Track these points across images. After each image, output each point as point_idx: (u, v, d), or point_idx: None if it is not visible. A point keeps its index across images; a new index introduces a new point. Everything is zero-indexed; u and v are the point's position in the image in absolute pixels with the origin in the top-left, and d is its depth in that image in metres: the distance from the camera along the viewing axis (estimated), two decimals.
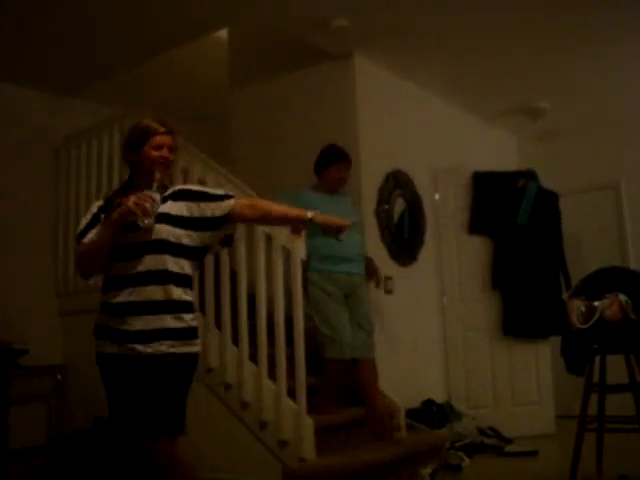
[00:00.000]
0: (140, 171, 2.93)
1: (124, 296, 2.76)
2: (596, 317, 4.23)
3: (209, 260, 4.59)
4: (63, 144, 5.72)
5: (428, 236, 6.18)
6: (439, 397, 5.76)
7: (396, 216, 5.80)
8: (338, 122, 5.61)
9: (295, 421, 4.12)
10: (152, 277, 2.77)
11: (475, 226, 6.29)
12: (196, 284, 4.60)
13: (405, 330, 5.67)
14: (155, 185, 2.82)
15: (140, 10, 4.84)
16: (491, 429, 5.71)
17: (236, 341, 4.43)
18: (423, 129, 6.19)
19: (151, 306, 2.75)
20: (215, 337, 4.51)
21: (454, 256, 6.31)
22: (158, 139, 2.91)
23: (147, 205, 2.69)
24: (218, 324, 4.52)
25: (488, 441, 5.53)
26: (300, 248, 4.25)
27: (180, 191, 2.98)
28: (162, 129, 2.95)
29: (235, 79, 6.25)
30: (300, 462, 4.08)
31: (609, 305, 4.26)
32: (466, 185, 6.36)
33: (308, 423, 4.09)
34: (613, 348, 4.25)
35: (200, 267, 4.59)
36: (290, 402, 4.16)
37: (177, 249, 2.83)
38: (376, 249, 5.51)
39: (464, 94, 6.45)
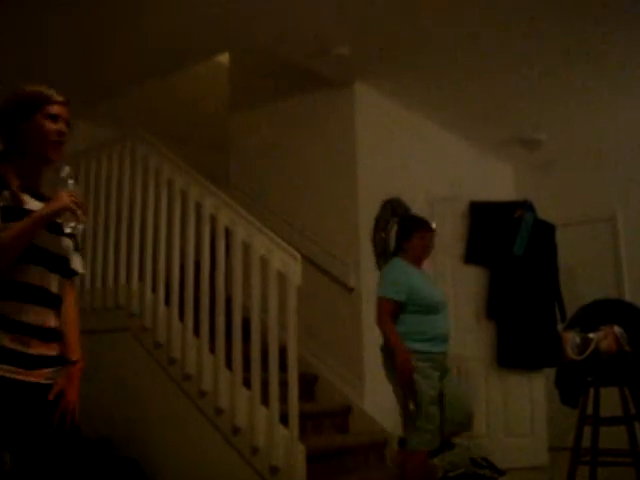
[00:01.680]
0: (22, 146, 2.33)
1: (25, 314, 2.22)
2: (591, 349, 4.24)
3: (204, 283, 4.59)
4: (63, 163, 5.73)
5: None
6: None
7: (392, 244, 5.79)
8: (337, 149, 5.63)
9: (287, 447, 4.09)
10: (47, 297, 2.31)
11: (471, 256, 6.29)
12: (190, 308, 4.62)
13: None
14: (67, 174, 2.32)
15: (141, 34, 4.90)
16: (484, 460, 5.66)
17: (229, 365, 4.41)
18: (421, 157, 6.21)
19: (46, 332, 2.30)
20: (209, 361, 4.49)
21: (449, 286, 6.28)
22: (55, 108, 2.36)
23: (82, 208, 2.27)
24: (212, 349, 4.50)
25: (481, 472, 5.48)
26: (296, 273, 4.25)
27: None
28: (60, 97, 2.39)
29: (235, 103, 6.29)
30: None
31: (604, 337, 4.27)
32: (463, 214, 6.36)
33: (300, 449, 4.07)
34: (607, 380, 4.25)
35: (195, 291, 4.64)
36: (282, 428, 4.13)
37: (68, 272, 2.42)
38: (372, 276, 5.50)
39: (463, 123, 6.49)
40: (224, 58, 6.06)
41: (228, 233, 4.59)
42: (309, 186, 5.72)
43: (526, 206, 6.39)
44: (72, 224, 2.27)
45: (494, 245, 6.24)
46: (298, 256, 4.30)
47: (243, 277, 4.45)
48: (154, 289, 4.86)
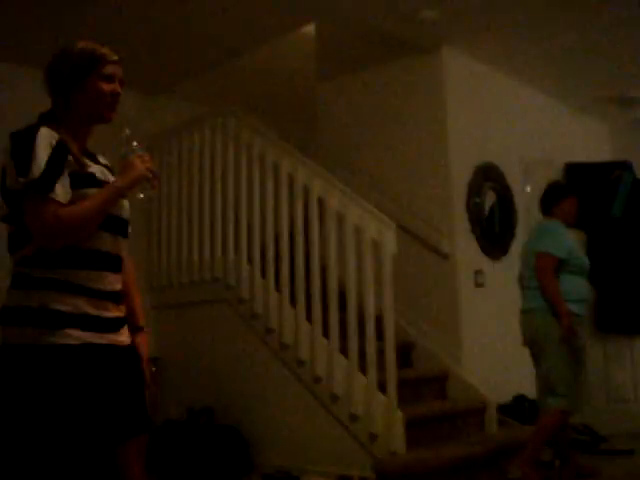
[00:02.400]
0: (76, 106, 2.24)
1: (102, 281, 2.21)
2: None
3: (299, 255, 4.63)
4: (154, 140, 5.85)
5: (519, 230, 6.07)
6: (531, 393, 5.65)
7: (487, 209, 5.73)
8: (426, 115, 5.57)
9: (386, 414, 4.12)
10: (118, 263, 2.31)
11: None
12: (286, 278, 4.68)
13: (496, 324, 5.58)
14: (130, 135, 2.30)
15: (226, 9, 4.91)
16: (584, 426, 5.58)
17: (326, 334, 4.45)
18: (513, 120, 6.08)
19: (118, 296, 2.31)
20: (306, 330, 4.54)
21: None
22: (110, 68, 2.26)
23: (155, 174, 2.26)
24: (309, 318, 4.55)
25: (582, 438, 5.41)
26: (391, 242, 4.25)
27: (107, 166, 2.41)
28: (114, 56, 2.28)
29: (322, 74, 6.26)
30: (390, 455, 4.09)
31: None
32: (559, 177, 6.23)
33: (399, 416, 4.09)
34: None
35: (290, 262, 4.69)
36: (381, 395, 4.16)
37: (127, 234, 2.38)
38: (467, 243, 5.46)
39: (555, 83, 6.31)
40: (309, 29, 6.04)
41: (321, 203, 4.61)
42: (400, 154, 5.67)
43: (624, 166, 6.21)
44: (147, 192, 2.27)
45: (592, 207, 6.08)
46: (393, 225, 4.29)
47: (337, 247, 4.47)
48: (250, 261, 4.94)
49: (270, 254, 4.80)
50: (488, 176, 5.75)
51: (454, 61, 5.60)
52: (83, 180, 2.17)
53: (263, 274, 4.84)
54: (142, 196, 2.28)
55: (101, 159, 2.39)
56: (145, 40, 5.28)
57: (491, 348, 5.48)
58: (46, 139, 2.10)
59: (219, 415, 4.93)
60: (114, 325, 2.25)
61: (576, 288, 4.29)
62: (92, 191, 2.16)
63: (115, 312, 2.26)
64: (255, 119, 5.05)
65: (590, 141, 7.10)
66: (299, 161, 4.77)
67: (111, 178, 2.30)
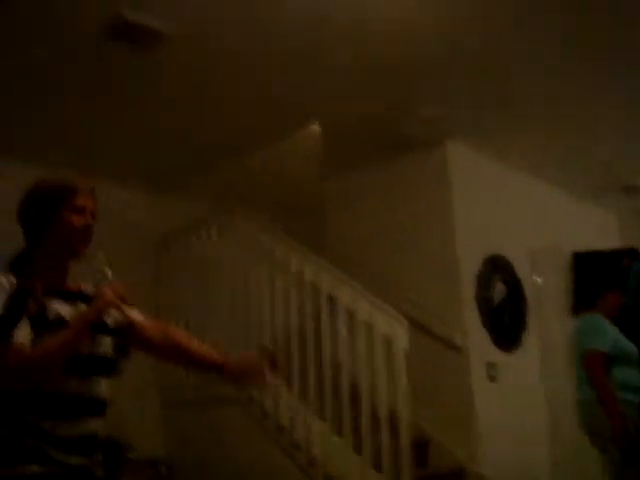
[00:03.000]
0: (47, 242, 2.19)
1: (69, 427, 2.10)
2: None
3: (309, 351, 4.59)
4: (162, 241, 5.89)
5: (531, 320, 6.04)
6: None
7: (496, 301, 5.70)
8: (434, 209, 5.61)
9: None
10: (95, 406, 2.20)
11: (579, 308, 6.11)
12: (296, 375, 4.63)
13: (512, 418, 5.49)
14: (101, 262, 2.18)
15: (232, 110, 5.02)
16: None
17: (340, 431, 4.37)
18: (519, 211, 6.12)
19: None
20: (318, 428, 4.47)
21: (559, 339, 6.12)
22: (81, 200, 2.21)
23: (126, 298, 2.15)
24: (321, 415, 4.48)
25: None
26: (402, 338, 4.22)
27: (80, 292, 2.29)
28: (84, 187, 2.24)
29: (328, 170, 6.34)
30: None
31: None
32: (566, 266, 6.22)
33: None
34: None
35: (301, 358, 4.64)
36: None
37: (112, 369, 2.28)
38: (479, 335, 5.42)
39: (559, 173, 6.37)
40: (315, 127, 6.14)
41: (331, 299, 4.60)
42: (408, 247, 5.69)
43: (633, 254, 6.20)
44: (117, 317, 2.19)
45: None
46: (404, 320, 4.28)
47: (349, 343, 4.43)
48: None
49: (280, 352, 4.76)
50: (497, 267, 5.75)
51: (458, 155, 5.67)
52: (44, 324, 2.06)
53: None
54: (111, 322, 2.21)
55: (87, 291, 2.30)
56: (150, 140, 5.38)
57: (507, 442, 5.37)
58: (2, 286, 2.04)
59: None
60: (81, 473, 2.12)
61: (629, 378, 4.29)
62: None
63: (82, 461, 2.12)
64: (262, 217, 5.08)
65: (597, 229, 7.12)
66: (307, 258, 4.78)
67: None
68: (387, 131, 5.51)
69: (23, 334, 2.01)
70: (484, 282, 5.59)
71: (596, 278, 6.06)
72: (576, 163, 6.24)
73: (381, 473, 4.12)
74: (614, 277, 6.02)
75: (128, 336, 2.30)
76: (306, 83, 4.72)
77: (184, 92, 4.78)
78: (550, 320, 6.17)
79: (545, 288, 6.25)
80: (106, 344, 2.22)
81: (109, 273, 2.18)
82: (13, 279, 2.08)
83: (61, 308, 2.14)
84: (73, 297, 2.23)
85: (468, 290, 5.46)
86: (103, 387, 2.22)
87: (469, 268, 5.50)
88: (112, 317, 2.21)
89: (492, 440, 5.24)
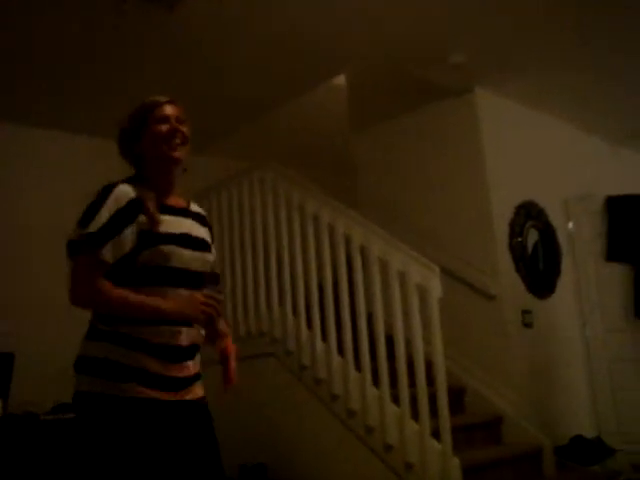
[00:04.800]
0: (146, 159, 2.35)
1: (171, 336, 2.24)
2: None
3: (344, 303, 4.60)
4: (198, 196, 5.90)
5: (565, 266, 6.01)
6: (588, 433, 5.54)
7: (530, 248, 5.67)
8: (463, 158, 5.58)
9: (441, 462, 4.04)
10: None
11: (613, 253, 6.07)
12: (332, 328, 4.65)
13: (548, 364, 5.50)
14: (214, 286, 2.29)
15: (256, 65, 5.00)
16: None
17: (376, 382, 4.40)
18: (551, 157, 6.06)
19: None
20: (355, 379, 4.50)
21: (593, 286, 6.10)
22: (162, 110, 2.36)
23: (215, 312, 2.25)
24: (357, 366, 4.51)
25: None
26: (436, 286, 4.21)
27: (199, 214, 2.49)
28: (163, 99, 2.40)
29: (355, 123, 6.32)
30: None
31: None
32: (600, 211, 6.17)
33: (455, 463, 4.00)
34: None
35: (336, 309, 4.67)
36: (435, 442, 4.09)
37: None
38: (513, 283, 5.41)
39: (591, 117, 6.29)
40: (341, 80, 6.10)
41: (363, 251, 4.60)
42: (440, 197, 5.67)
43: None
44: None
45: (637, 240, 6.00)
46: (436, 268, 4.26)
47: (383, 294, 4.44)
48: (295, 313, 4.92)
49: (315, 304, 4.79)
50: (529, 214, 5.71)
51: (487, 102, 5.61)
52: (155, 238, 2.19)
53: (309, 325, 4.83)
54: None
55: (194, 207, 2.47)
56: (180, 99, 5.38)
57: (543, 389, 5.39)
58: (117, 198, 2.18)
59: (272, 471, 4.88)
60: (180, 384, 2.26)
61: None
62: (166, 248, 2.19)
63: (182, 372, 2.27)
64: (292, 171, 5.07)
65: (630, 173, 7.03)
66: (338, 210, 4.77)
67: (196, 231, 2.35)
68: (414, 81, 5.46)
69: (110, 252, 2.14)
70: (517, 229, 5.56)
71: (630, 222, 6.02)
72: (609, 108, 6.15)
73: (419, 422, 4.15)
74: None
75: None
76: (334, 34, 4.67)
77: (210, 51, 4.77)
78: (585, 266, 6.14)
79: (578, 234, 6.20)
80: (203, 260, 2.34)
81: (214, 287, 2.30)
82: (132, 193, 2.20)
83: (171, 224, 2.26)
84: (185, 212, 2.39)
85: (501, 238, 5.44)
86: None
87: (502, 216, 5.47)
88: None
89: (529, 387, 5.26)
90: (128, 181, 2.26)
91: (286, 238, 5.09)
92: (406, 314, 4.28)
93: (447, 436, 4.03)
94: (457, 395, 5.16)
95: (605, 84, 5.68)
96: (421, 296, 4.25)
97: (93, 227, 2.13)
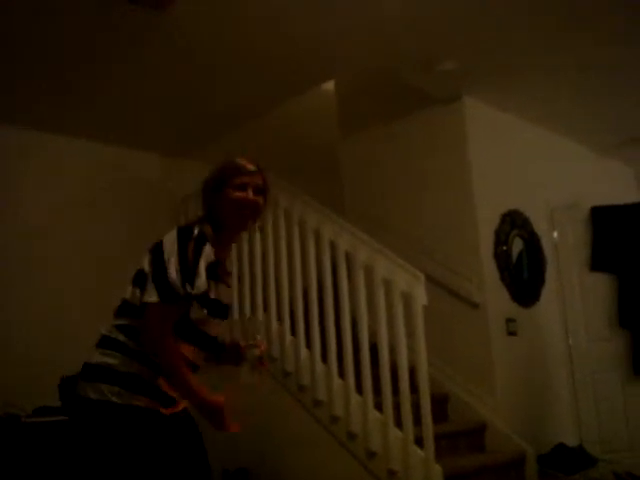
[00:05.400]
0: (217, 217, 2.47)
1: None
2: None
3: (329, 310, 4.60)
4: (182, 203, 5.89)
5: (549, 275, 6.03)
6: (571, 441, 5.56)
7: (515, 257, 5.69)
8: (450, 165, 5.59)
9: (424, 469, 4.04)
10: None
11: (597, 263, 6.10)
12: (316, 334, 4.65)
13: (531, 372, 5.52)
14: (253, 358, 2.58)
15: (245, 72, 4.99)
16: (628, 474, 5.44)
17: (360, 389, 4.40)
18: (537, 166, 6.08)
19: None
20: (339, 386, 4.50)
21: (577, 295, 6.12)
22: (244, 178, 2.48)
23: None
24: (341, 373, 4.51)
25: None
26: (420, 293, 4.22)
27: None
28: (248, 167, 2.53)
29: (344, 129, 6.33)
30: None
31: None
32: (585, 221, 6.20)
33: (437, 471, 4.01)
34: None
35: (320, 317, 4.67)
36: (418, 450, 4.09)
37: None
38: (497, 291, 5.42)
39: (577, 127, 6.32)
40: (329, 85, 6.11)
41: (349, 257, 4.60)
42: (426, 205, 5.68)
43: None
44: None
45: (621, 250, 6.03)
46: (421, 276, 4.27)
47: (367, 301, 4.44)
48: (280, 319, 4.92)
49: (299, 311, 4.79)
50: (514, 223, 5.73)
51: (475, 110, 5.63)
52: (206, 302, 2.37)
53: (293, 332, 4.83)
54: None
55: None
56: (168, 102, 5.38)
57: (526, 397, 5.41)
58: (207, 256, 2.32)
59: (255, 476, 4.87)
60: (175, 402, 2.42)
61: None
62: (203, 312, 2.37)
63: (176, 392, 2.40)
64: (278, 176, 5.06)
65: (615, 184, 7.07)
66: (325, 216, 4.78)
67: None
68: (403, 88, 5.47)
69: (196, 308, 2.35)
70: (502, 238, 5.58)
71: (615, 232, 6.05)
72: (595, 118, 6.18)
73: (402, 430, 4.15)
74: (632, 231, 6.02)
75: None
76: (322, 41, 4.67)
77: (199, 55, 4.76)
78: (569, 275, 6.17)
79: (563, 243, 6.23)
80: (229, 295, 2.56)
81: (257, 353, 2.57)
82: (212, 254, 2.36)
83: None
84: (224, 276, 2.51)
85: (486, 246, 5.45)
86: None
87: (487, 224, 5.49)
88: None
89: (512, 395, 5.28)
90: (201, 224, 2.41)
91: (272, 244, 5.08)
92: (391, 321, 4.28)
93: (430, 443, 4.04)
94: (441, 403, 5.17)
95: (591, 95, 5.71)
96: (406, 303, 4.26)
97: (197, 290, 2.28)
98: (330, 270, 4.69)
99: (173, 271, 2.23)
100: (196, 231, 2.33)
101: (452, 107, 5.61)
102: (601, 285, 6.09)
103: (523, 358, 5.49)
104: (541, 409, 5.51)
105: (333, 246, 4.69)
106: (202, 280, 2.27)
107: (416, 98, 5.62)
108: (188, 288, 2.24)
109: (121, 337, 2.33)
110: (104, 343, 2.35)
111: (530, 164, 6.02)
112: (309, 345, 4.70)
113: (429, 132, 5.74)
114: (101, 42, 4.52)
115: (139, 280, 2.34)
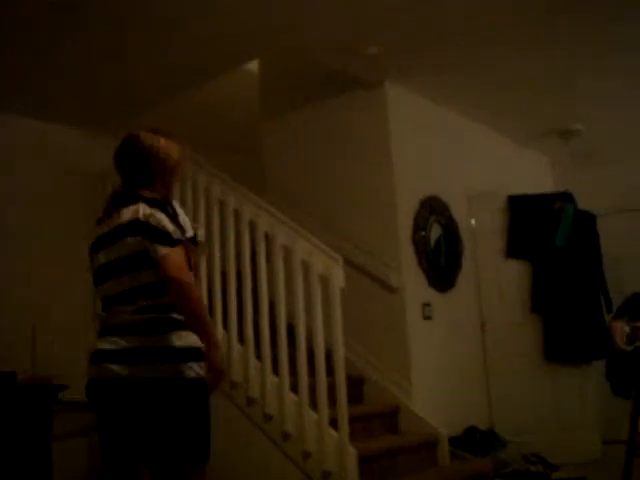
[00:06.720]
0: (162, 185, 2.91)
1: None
2: None
3: (247, 291, 4.58)
4: (98, 178, 5.76)
5: (466, 261, 6.12)
6: (482, 424, 5.68)
7: (433, 242, 5.76)
8: (371, 150, 5.60)
9: (338, 451, 4.08)
10: None
11: (512, 250, 6.23)
12: (234, 316, 4.63)
13: (446, 356, 5.60)
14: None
15: (169, 46, 4.89)
16: (536, 456, 5.59)
17: (276, 371, 4.40)
18: (457, 154, 6.16)
19: None
20: (255, 368, 4.49)
21: (492, 281, 6.24)
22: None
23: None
24: (258, 355, 4.50)
25: (533, 468, 5.42)
26: (338, 276, 4.24)
27: None
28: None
29: (266, 109, 6.29)
30: None
31: None
32: (502, 209, 6.31)
33: (351, 452, 4.05)
34: None
35: (238, 298, 4.64)
36: (332, 431, 4.12)
37: None
38: (414, 276, 5.48)
39: (497, 117, 6.42)
40: (253, 65, 6.06)
41: (268, 238, 4.58)
42: (346, 188, 5.69)
43: (566, 197, 6.32)
44: None
45: (535, 238, 6.18)
46: (340, 258, 4.28)
47: (286, 282, 4.44)
48: None
49: (217, 291, 4.75)
50: (433, 209, 5.79)
51: (397, 96, 5.66)
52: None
53: (210, 312, 4.78)
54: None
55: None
56: (86, 77, 5.23)
57: (440, 381, 5.49)
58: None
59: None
60: None
61: None
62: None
63: None
64: (199, 155, 5.00)
65: (532, 173, 7.23)
66: (245, 196, 4.75)
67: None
68: (327, 70, 5.46)
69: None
70: (421, 223, 5.63)
71: (529, 221, 6.19)
72: (513, 109, 6.28)
73: (317, 411, 4.17)
74: (546, 220, 6.17)
75: None
76: (242, 20, 4.60)
77: (120, 32, 4.64)
78: (485, 262, 6.28)
79: (480, 230, 6.33)
80: None
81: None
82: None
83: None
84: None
85: (405, 231, 5.50)
86: None
87: (406, 209, 5.53)
88: None
89: (427, 378, 5.35)
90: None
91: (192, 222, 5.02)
92: (308, 304, 4.29)
93: (345, 425, 4.07)
94: (356, 385, 5.20)
95: (512, 87, 5.80)
96: (324, 286, 4.27)
97: (189, 234, 2.66)
98: (249, 252, 4.66)
99: (170, 225, 2.56)
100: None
101: (375, 92, 5.62)
102: (516, 272, 6.23)
103: (438, 342, 5.57)
104: (455, 393, 5.60)
105: (252, 226, 4.66)
106: (188, 225, 2.69)
107: (339, 81, 5.61)
108: (179, 232, 2.58)
109: (163, 312, 2.53)
110: (156, 325, 2.53)
111: (451, 152, 6.10)
112: (226, 326, 4.67)
113: (350, 116, 5.74)
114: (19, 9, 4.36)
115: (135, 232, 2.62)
